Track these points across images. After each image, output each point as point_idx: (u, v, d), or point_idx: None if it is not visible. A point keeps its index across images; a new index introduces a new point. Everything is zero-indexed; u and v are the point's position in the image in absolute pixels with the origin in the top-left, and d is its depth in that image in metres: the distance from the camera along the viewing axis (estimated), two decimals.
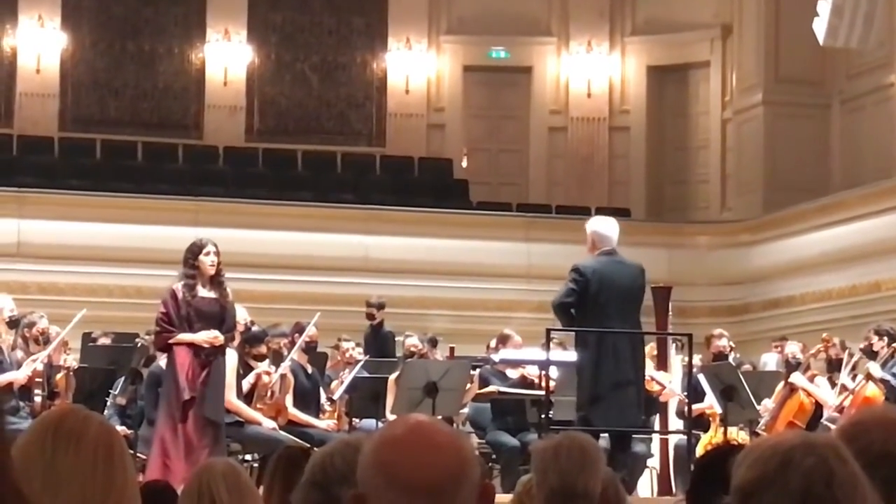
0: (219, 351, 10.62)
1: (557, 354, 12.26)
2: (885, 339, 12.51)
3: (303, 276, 18.06)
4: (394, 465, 2.76)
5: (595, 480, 4.82)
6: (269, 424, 11.75)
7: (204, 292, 10.66)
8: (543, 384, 11.73)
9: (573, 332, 11.10)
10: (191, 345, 10.52)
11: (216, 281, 10.71)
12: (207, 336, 10.49)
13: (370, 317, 15.60)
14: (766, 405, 12.93)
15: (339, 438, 4.50)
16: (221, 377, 10.75)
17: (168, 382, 10.70)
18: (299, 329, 12.92)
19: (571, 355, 12.25)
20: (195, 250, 10.72)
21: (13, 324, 11.84)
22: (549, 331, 11.22)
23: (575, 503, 4.71)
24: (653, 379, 13.21)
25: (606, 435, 10.67)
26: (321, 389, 13.19)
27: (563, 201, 21.97)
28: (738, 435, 12.46)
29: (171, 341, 10.54)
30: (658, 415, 13.39)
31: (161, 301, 10.79)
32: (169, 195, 19.72)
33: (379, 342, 15.36)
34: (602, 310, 10.40)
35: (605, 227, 10.92)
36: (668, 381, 13.10)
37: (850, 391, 12.42)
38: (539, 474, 4.83)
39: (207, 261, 10.64)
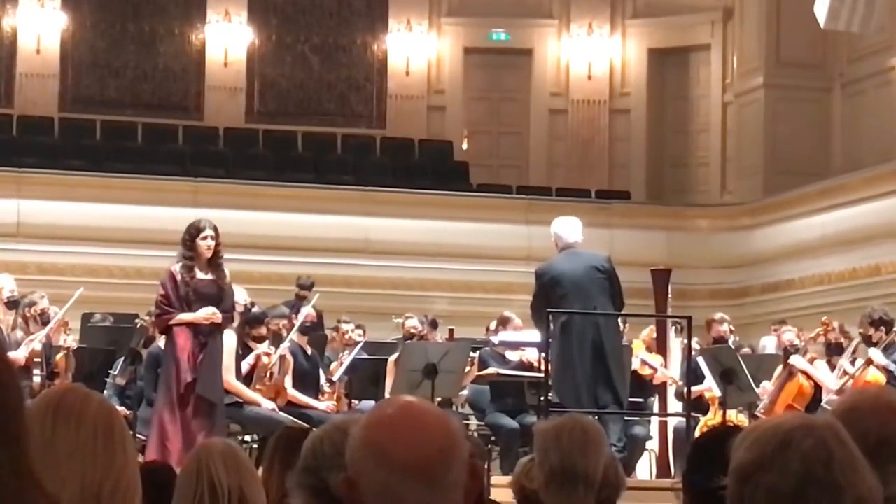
0: (217, 329, 10.65)
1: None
2: (883, 326, 12.51)
3: (302, 258, 18.06)
4: (384, 445, 2.77)
5: (596, 463, 4.83)
6: (268, 405, 11.77)
7: (202, 274, 10.67)
8: (542, 366, 11.79)
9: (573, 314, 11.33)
10: (190, 325, 10.54)
11: (214, 263, 10.73)
12: (205, 313, 10.51)
13: (300, 298, 15.36)
14: (766, 388, 12.95)
15: (336, 420, 4.51)
16: (218, 356, 10.76)
17: (167, 364, 10.72)
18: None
19: None
20: (193, 232, 10.73)
21: (13, 304, 11.86)
22: (549, 313, 11.27)
23: (575, 484, 4.72)
24: (644, 362, 13.24)
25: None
26: (320, 371, 13.21)
27: (564, 184, 21.99)
28: (738, 418, 12.48)
29: (170, 322, 10.56)
30: (657, 397, 13.43)
31: (160, 283, 10.81)
32: (169, 176, 19.74)
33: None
34: (562, 299, 11.22)
35: (562, 227, 11.70)
36: (659, 364, 13.12)
37: (851, 375, 12.43)
38: (540, 454, 4.84)
39: (204, 244, 10.64)
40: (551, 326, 11.35)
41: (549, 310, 11.21)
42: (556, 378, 11.26)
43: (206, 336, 10.57)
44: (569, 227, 11.65)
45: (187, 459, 4.50)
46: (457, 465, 2.78)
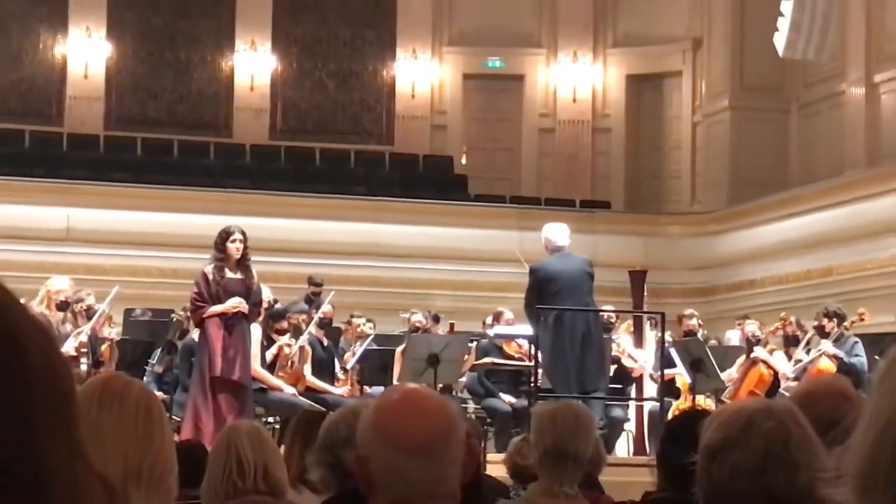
0: (244, 319, 10.67)
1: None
2: (835, 320, 12.53)
3: (320, 260, 18.04)
4: (390, 428, 2.78)
5: (586, 445, 4.84)
6: (289, 391, 11.79)
7: (231, 274, 10.68)
8: (532, 356, 11.82)
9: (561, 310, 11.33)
10: (221, 318, 10.55)
11: (243, 264, 10.75)
12: (233, 303, 10.56)
13: (314, 294, 15.31)
14: (731, 375, 12.96)
15: (350, 404, 4.51)
16: (246, 343, 10.78)
17: (200, 353, 10.74)
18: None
19: None
20: (224, 237, 10.76)
21: (63, 306, 11.86)
22: (538, 309, 11.28)
23: (566, 463, 4.72)
24: (630, 356, 13.26)
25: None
26: (335, 360, 13.21)
27: (552, 194, 21.97)
28: (706, 402, 12.48)
29: (204, 315, 10.58)
30: (634, 384, 13.44)
31: (194, 282, 10.83)
32: (201, 187, 19.72)
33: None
34: (556, 295, 11.30)
35: (553, 233, 11.74)
36: (641, 358, 13.15)
37: (806, 364, 12.45)
38: (536, 435, 4.85)
39: (234, 247, 10.69)
40: (541, 318, 11.36)
41: (540, 306, 11.27)
42: (548, 365, 11.33)
43: (235, 326, 10.59)
44: (558, 232, 11.71)
45: (218, 438, 4.51)
46: (455, 444, 2.79)
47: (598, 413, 11.52)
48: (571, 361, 11.26)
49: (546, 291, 11.27)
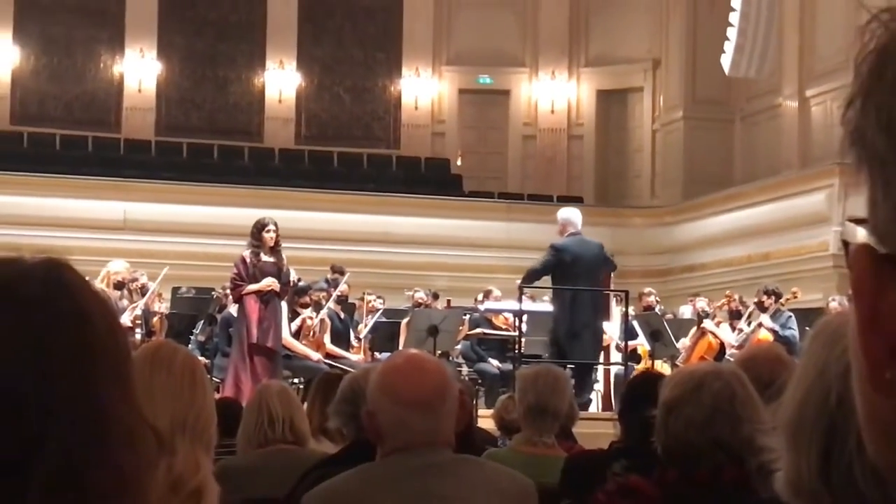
0: (276, 296, 10.68)
1: (528, 305, 12.30)
2: (772, 297, 12.54)
3: (338, 246, 18.04)
4: (395, 387, 2.78)
5: (563, 402, 4.85)
6: (313, 357, 11.79)
7: (266, 258, 10.69)
8: (516, 327, 11.81)
9: (546, 290, 11.28)
10: (256, 294, 10.57)
11: (275, 250, 10.75)
12: (267, 282, 10.58)
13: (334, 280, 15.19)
14: (684, 344, 12.96)
15: (363, 367, 4.50)
16: (278, 316, 10.79)
17: (239, 324, 10.75)
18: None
19: (538, 306, 12.28)
20: (259, 227, 10.76)
21: (119, 285, 11.86)
22: (521, 287, 11.26)
23: (545, 417, 4.73)
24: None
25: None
26: (351, 331, 13.22)
27: (534, 191, 21.96)
28: (662, 367, 12.48)
29: (243, 293, 10.61)
30: (602, 352, 13.44)
31: (234, 264, 10.84)
32: (237, 185, 19.70)
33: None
34: (576, 276, 10.70)
35: (573, 216, 11.13)
36: (609, 330, 13.15)
37: (747, 335, 12.45)
38: (520, 393, 4.85)
39: (268, 236, 10.69)
40: (559, 296, 10.89)
41: (557, 286, 10.78)
42: (565, 339, 10.78)
43: (269, 302, 10.61)
44: (577, 217, 11.07)
45: (251, 396, 4.52)
46: (449, 399, 2.80)
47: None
48: (586, 335, 10.91)
49: (568, 272, 10.68)
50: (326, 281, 14.02)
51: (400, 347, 12.40)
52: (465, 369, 13.09)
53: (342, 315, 13.03)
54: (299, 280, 12.78)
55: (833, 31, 17.52)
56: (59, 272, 1.14)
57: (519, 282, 11.23)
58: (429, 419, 2.74)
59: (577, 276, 10.72)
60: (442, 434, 2.77)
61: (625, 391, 4.54)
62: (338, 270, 15.46)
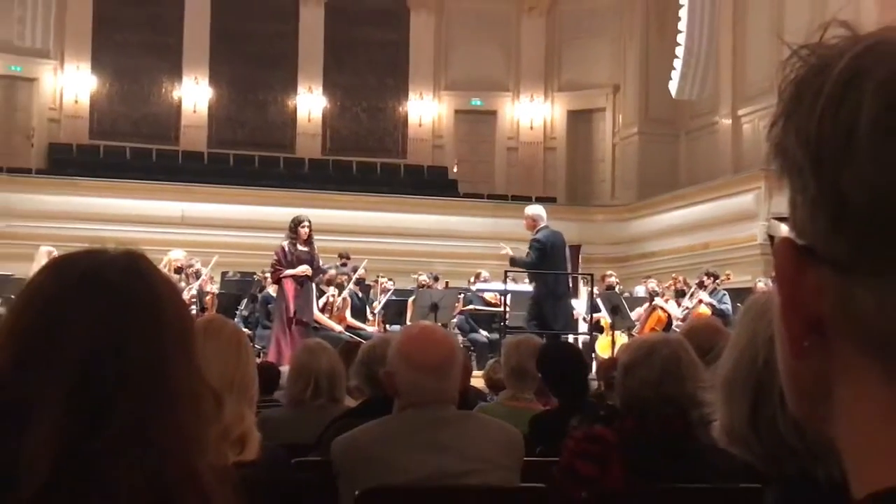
0: (308, 280, 10.69)
1: (512, 286, 12.32)
2: (711, 278, 12.56)
3: (357, 238, 18.02)
4: (411, 352, 2.79)
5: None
6: (336, 328, 11.80)
7: (301, 248, 10.69)
8: (502, 304, 11.81)
9: (526, 273, 11.26)
10: (293, 277, 10.57)
11: (308, 241, 10.75)
12: (302, 269, 10.58)
13: (343, 264, 15.14)
14: (639, 314, 12.96)
15: (378, 336, 4.50)
16: (310, 295, 10.80)
17: (279, 303, 10.76)
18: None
19: (520, 287, 12.28)
20: (296, 222, 10.77)
21: (178, 270, 11.86)
22: (506, 272, 11.29)
23: (526, 378, 4.73)
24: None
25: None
26: (367, 307, 13.23)
27: (516, 192, 21.94)
28: (620, 337, 12.46)
29: (281, 276, 10.62)
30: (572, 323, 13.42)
31: (274, 252, 10.85)
32: (274, 188, 19.68)
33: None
34: (555, 261, 10.55)
35: (541, 211, 10.96)
36: (577, 306, 13.12)
37: (690, 309, 12.47)
38: (505, 358, 4.86)
39: (303, 230, 10.70)
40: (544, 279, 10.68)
41: (535, 270, 10.56)
42: (551, 311, 10.53)
43: (303, 284, 10.61)
44: (543, 212, 10.91)
45: (293, 355, 4.50)
46: (456, 364, 2.81)
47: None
48: (563, 310, 10.78)
49: (552, 258, 10.47)
50: (342, 264, 14.00)
51: (407, 321, 12.43)
52: (460, 339, 13.09)
53: (360, 294, 13.05)
54: (323, 264, 12.79)
55: (760, 61, 17.54)
56: (137, 261, 1.15)
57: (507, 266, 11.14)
58: (438, 381, 2.75)
59: (556, 261, 10.58)
60: (448, 393, 2.78)
61: (546, 367, 4.44)
62: (344, 256, 15.50)
